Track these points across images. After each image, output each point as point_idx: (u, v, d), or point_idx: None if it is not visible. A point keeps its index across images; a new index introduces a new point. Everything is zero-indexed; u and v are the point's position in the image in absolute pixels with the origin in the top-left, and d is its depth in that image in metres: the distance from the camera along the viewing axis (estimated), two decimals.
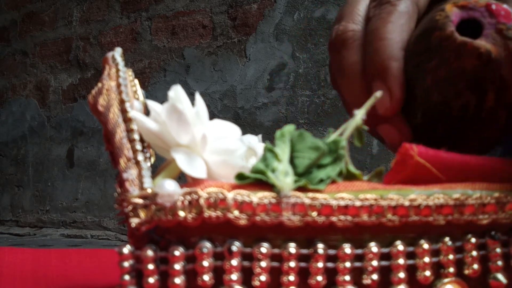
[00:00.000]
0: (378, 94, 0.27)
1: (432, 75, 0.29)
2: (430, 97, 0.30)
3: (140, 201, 0.22)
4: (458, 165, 0.26)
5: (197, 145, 0.25)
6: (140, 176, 0.23)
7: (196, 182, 0.23)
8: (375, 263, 0.24)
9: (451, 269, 0.25)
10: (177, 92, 0.26)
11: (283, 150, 0.24)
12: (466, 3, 0.29)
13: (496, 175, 0.26)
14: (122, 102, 0.25)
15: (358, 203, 0.23)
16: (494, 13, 0.28)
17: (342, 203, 0.23)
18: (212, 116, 0.30)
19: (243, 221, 0.22)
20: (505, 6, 0.29)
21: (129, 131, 0.24)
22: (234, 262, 0.22)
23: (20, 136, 2.50)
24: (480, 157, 0.27)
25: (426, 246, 0.24)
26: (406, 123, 0.32)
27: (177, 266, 0.22)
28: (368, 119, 0.28)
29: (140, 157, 0.23)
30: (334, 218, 0.23)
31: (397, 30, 0.31)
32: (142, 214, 0.22)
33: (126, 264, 0.22)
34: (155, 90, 2.08)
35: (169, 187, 0.22)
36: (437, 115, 0.30)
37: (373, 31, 0.31)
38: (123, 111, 0.25)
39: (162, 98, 0.26)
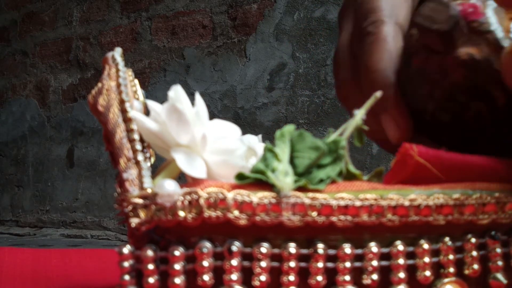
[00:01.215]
0: (378, 94, 0.27)
1: (431, 100, 0.29)
2: (440, 119, 0.29)
3: (140, 201, 0.22)
4: (458, 165, 0.26)
5: (197, 145, 0.25)
6: (140, 176, 0.23)
7: (196, 182, 0.23)
8: (375, 263, 0.24)
9: (451, 269, 0.25)
10: (177, 92, 0.25)
11: (283, 150, 0.24)
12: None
13: (496, 175, 0.26)
14: (122, 102, 0.25)
15: (358, 203, 0.23)
16: (462, 14, 0.27)
17: (342, 203, 0.23)
18: (212, 116, 0.30)
19: (243, 221, 0.22)
20: (471, 1, 0.28)
21: (129, 131, 0.24)
22: (234, 262, 0.22)
23: (20, 136, 2.50)
24: (480, 157, 0.26)
25: (426, 246, 0.24)
26: (407, 118, 0.31)
27: (177, 266, 0.22)
28: (372, 109, 0.27)
29: (140, 157, 0.23)
30: (334, 218, 0.23)
31: (385, 57, 0.31)
32: (142, 214, 0.22)
33: (126, 264, 0.22)
34: (155, 90, 2.08)
35: (169, 187, 0.22)
36: (453, 129, 0.29)
37: (363, 66, 0.32)
38: (123, 111, 0.25)
39: (162, 98, 0.26)
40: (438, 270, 0.25)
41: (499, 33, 0.27)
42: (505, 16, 0.27)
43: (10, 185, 2.51)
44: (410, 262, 0.24)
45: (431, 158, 0.25)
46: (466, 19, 0.27)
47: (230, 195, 0.22)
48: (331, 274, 0.23)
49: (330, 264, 0.23)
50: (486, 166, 0.26)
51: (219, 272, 0.22)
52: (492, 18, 0.27)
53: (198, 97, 0.27)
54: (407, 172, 0.25)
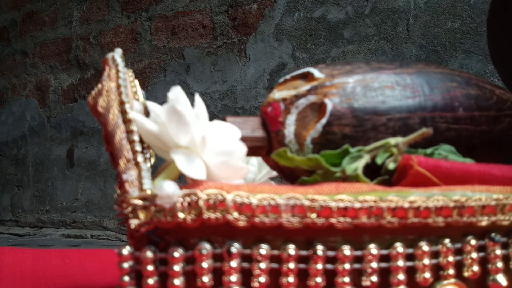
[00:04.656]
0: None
1: None
2: None
3: (139, 202, 0.22)
4: (458, 172, 0.26)
5: (196, 146, 0.25)
6: (139, 177, 0.23)
7: (195, 183, 0.23)
8: (374, 264, 0.24)
9: (451, 271, 0.25)
10: (176, 94, 0.25)
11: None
12: None
13: (496, 182, 0.26)
14: (122, 103, 0.25)
15: (357, 205, 0.23)
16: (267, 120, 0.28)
17: (341, 204, 0.23)
18: (212, 116, 0.30)
19: (242, 222, 0.22)
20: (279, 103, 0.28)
21: (129, 132, 0.24)
22: (234, 263, 0.22)
23: (20, 136, 2.49)
24: (480, 164, 0.26)
25: (425, 248, 0.24)
26: None
27: (177, 267, 0.22)
28: None
29: (139, 158, 0.23)
30: (333, 220, 0.23)
31: None
32: (141, 215, 0.22)
33: (125, 265, 0.22)
34: (155, 90, 2.08)
35: (168, 188, 0.22)
36: None
37: None
38: (123, 112, 0.25)
39: (162, 98, 0.26)
40: (438, 272, 0.25)
41: (293, 146, 0.27)
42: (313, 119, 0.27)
43: (10, 185, 2.51)
44: (410, 264, 0.24)
45: (431, 168, 0.25)
46: (270, 127, 0.28)
47: (229, 196, 0.22)
48: (330, 276, 0.23)
49: (329, 266, 0.23)
50: (486, 173, 0.26)
51: (218, 274, 0.22)
52: (289, 128, 0.27)
53: (197, 98, 0.26)
54: (407, 181, 0.25)
